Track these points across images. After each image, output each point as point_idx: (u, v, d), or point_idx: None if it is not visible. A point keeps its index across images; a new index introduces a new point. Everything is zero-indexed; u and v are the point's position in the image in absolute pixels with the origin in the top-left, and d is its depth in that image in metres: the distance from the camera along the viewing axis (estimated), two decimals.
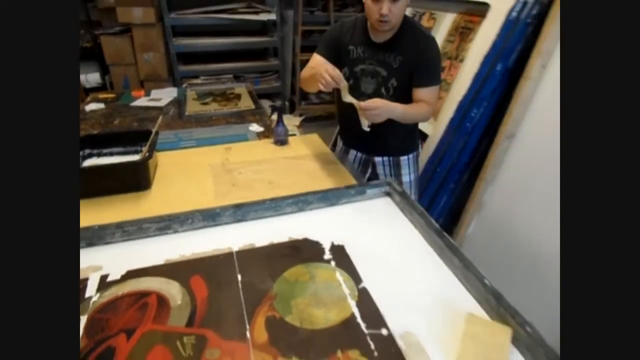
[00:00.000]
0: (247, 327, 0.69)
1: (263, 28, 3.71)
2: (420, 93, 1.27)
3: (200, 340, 0.66)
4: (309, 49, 3.73)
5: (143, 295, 0.75)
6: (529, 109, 1.51)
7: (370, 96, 1.24)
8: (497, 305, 0.69)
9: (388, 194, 1.11)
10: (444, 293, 0.76)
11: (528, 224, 1.53)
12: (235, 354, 0.64)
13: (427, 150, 1.91)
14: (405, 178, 1.52)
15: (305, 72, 1.33)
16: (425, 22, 2.23)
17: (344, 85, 1.15)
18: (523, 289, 1.43)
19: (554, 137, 1.44)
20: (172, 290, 0.76)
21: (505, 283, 1.42)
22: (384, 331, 0.68)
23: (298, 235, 0.93)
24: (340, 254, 0.87)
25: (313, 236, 0.93)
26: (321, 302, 0.74)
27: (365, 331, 0.68)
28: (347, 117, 1.41)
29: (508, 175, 1.62)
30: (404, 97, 1.28)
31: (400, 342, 0.66)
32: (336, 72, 1.11)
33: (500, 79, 1.61)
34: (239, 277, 0.80)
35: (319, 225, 0.97)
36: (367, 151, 1.52)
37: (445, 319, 0.70)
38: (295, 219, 1.01)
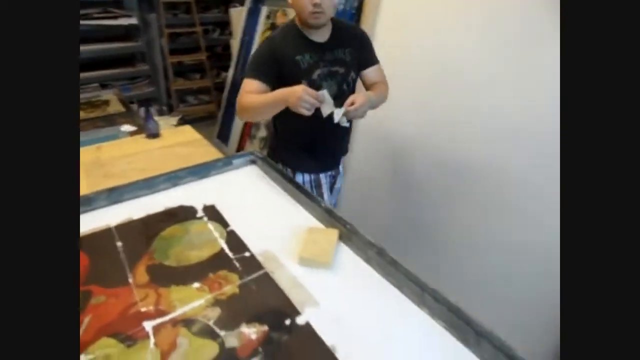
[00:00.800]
0: (129, 275, 0.80)
1: (127, 33, 3.58)
2: (373, 74, 1.32)
3: (85, 294, 0.75)
4: (178, 52, 3.73)
5: None
6: None
7: (334, 98, 1.14)
8: (329, 218, 0.93)
9: (253, 162, 1.29)
10: (294, 220, 0.97)
11: (380, 176, 1.88)
12: (120, 295, 0.75)
13: None
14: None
15: (250, 100, 1.16)
16: (279, 19, 2.47)
17: (330, 101, 1.09)
18: (392, 221, 1.77)
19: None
20: None
21: (376, 223, 1.75)
22: (247, 254, 0.86)
23: (173, 205, 1.06)
24: (211, 211, 1.02)
25: (187, 203, 1.06)
26: (195, 247, 0.89)
27: (232, 257, 0.85)
28: (316, 140, 1.33)
29: (360, 141, 1.95)
30: (355, 88, 1.34)
31: (260, 258, 0.84)
32: (313, 91, 1.05)
33: None
34: (119, 244, 0.90)
35: (192, 195, 1.10)
36: (334, 164, 1.46)
37: (294, 236, 0.91)
38: (170, 193, 1.12)
